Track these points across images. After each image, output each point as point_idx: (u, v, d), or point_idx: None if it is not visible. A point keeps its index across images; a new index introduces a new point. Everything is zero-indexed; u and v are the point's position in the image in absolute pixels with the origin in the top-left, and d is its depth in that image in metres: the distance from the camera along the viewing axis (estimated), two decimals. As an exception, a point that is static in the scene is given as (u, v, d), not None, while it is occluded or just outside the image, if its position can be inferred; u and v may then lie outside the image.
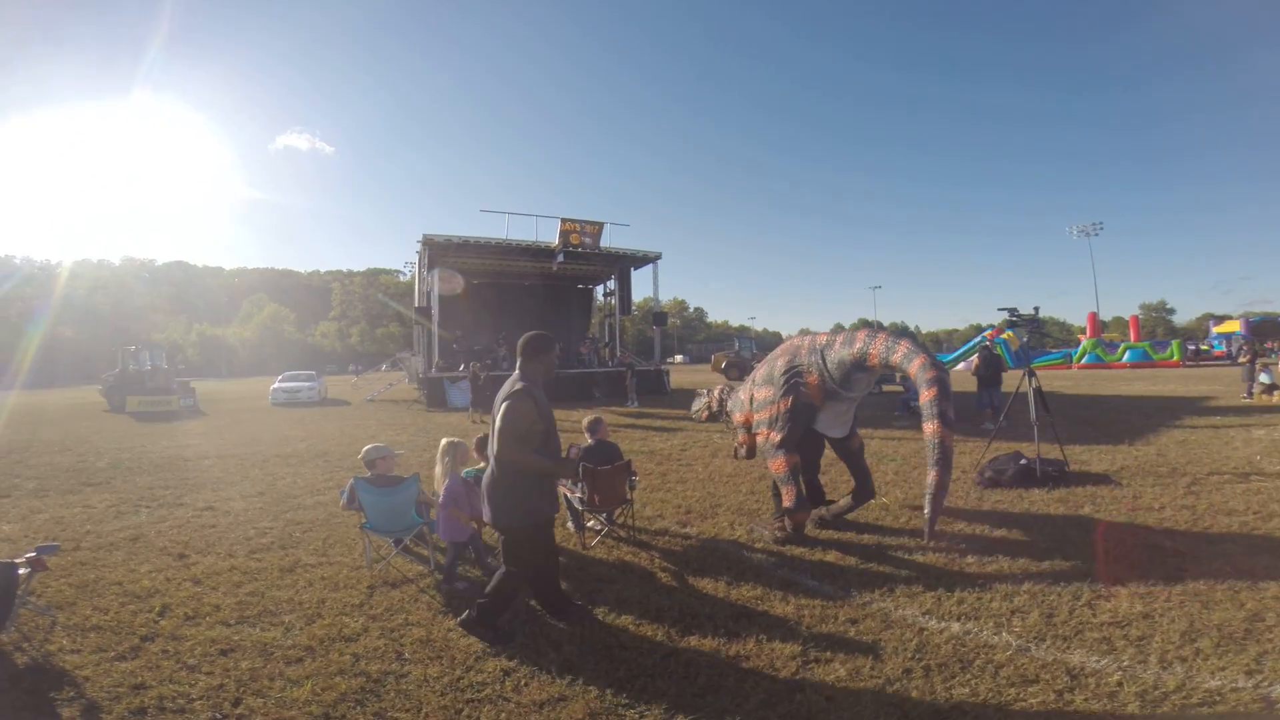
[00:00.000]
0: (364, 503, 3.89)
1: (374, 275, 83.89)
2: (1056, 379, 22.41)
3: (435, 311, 19.16)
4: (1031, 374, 6.57)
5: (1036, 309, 7.18)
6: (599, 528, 4.77)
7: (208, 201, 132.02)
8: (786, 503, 4.42)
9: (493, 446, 3.04)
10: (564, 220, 19.45)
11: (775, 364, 4.77)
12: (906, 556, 4.09)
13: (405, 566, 4.13)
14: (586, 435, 4.90)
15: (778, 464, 4.47)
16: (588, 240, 19.76)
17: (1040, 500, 5.41)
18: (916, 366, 3.94)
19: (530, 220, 20.47)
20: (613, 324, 24.11)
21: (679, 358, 71.10)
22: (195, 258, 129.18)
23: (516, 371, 3.17)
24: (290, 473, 7.85)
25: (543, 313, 23.31)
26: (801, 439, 4.63)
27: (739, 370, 23.69)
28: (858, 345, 4.26)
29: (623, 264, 22.37)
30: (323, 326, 73.22)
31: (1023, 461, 6.05)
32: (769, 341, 58.54)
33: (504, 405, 3.00)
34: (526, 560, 3.08)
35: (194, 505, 6.13)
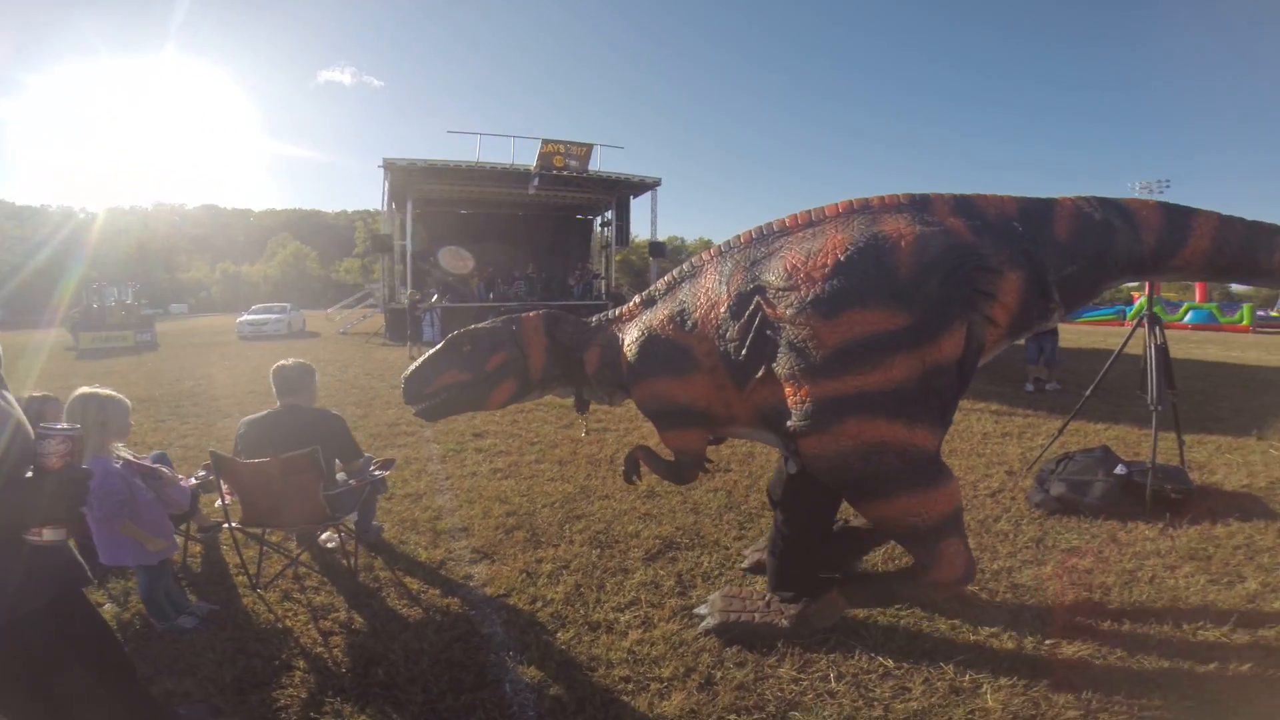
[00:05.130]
0: None
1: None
2: (1109, 336, 19.12)
3: (406, 241, 17.69)
4: (1157, 324, 3.78)
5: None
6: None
7: (240, 142, 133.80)
8: (947, 573, 2.01)
9: None
10: (546, 141, 17.11)
11: (870, 247, 1.98)
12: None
13: None
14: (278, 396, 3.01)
15: (935, 499, 1.95)
16: (573, 163, 17.41)
17: (1156, 548, 2.99)
18: None
19: (510, 143, 18.23)
20: (608, 255, 22.06)
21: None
22: (225, 201, 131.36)
23: None
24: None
25: (535, 244, 21.54)
26: None
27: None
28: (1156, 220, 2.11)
29: (620, 191, 20.15)
30: (346, 263, 73.37)
31: (1120, 470, 3.54)
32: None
33: None
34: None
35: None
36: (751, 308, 2.07)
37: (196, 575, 2.95)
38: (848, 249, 1.98)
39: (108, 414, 2.43)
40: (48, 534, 1.14)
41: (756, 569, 2.79)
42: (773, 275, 2.06)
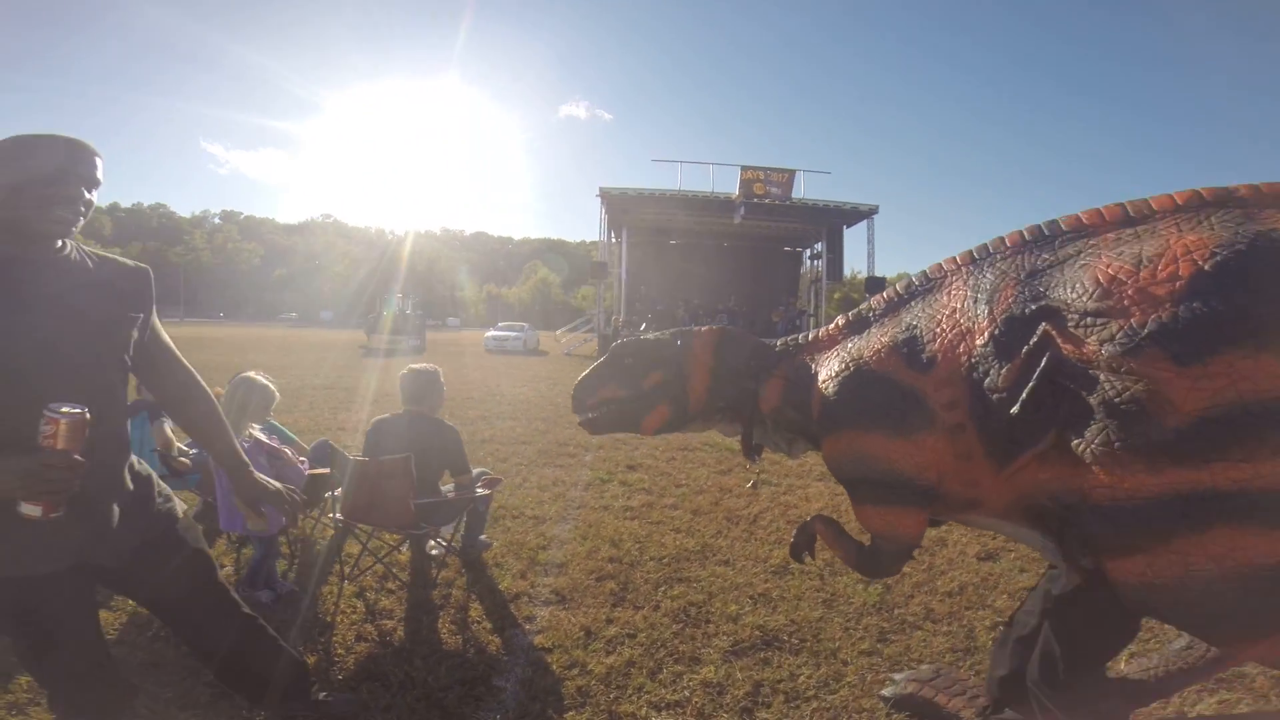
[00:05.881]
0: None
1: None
2: None
3: (621, 269, 18.91)
4: None
5: None
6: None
7: (502, 172, 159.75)
8: None
9: None
10: (745, 168, 17.12)
11: (1260, 252, 1.20)
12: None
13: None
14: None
15: None
16: (775, 190, 17.07)
17: None
18: None
19: (710, 170, 18.60)
20: (819, 290, 20.91)
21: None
22: (492, 229, 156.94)
23: None
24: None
25: (740, 275, 21.46)
26: None
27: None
28: None
29: (830, 220, 19.06)
30: (584, 290, 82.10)
31: None
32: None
33: None
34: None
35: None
36: (1035, 341, 1.34)
37: (313, 556, 3.21)
38: (1214, 254, 1.21)
39: (250, 398, 2.75)
40: (25, 508, 1.17)
41: (903, 703, 2.04)
42: (1073, 292, 1.32)
